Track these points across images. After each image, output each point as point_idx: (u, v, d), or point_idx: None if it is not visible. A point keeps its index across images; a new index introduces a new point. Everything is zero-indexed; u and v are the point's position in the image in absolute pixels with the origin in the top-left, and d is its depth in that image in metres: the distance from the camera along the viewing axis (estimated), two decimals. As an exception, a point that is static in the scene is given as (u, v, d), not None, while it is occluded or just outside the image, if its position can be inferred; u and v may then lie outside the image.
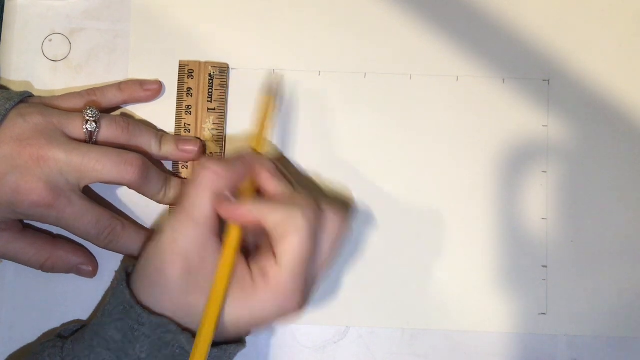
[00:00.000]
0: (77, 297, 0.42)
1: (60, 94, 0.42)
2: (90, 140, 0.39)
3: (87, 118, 0.39)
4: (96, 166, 0.37)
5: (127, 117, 0.43)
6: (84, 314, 0.42)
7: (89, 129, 0.39)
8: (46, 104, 0.40)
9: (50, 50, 0.44)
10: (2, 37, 0.44)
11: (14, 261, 0.40)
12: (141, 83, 0.43)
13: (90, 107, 0.39)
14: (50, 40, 0.44)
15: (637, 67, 0.44)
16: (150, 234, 0.41)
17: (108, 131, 0.39)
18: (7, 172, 0.36)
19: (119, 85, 0.42)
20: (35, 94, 0.42)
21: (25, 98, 0.40)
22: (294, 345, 0.42)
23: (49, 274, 0.41)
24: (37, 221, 0.37)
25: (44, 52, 0.44)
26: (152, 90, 0.43)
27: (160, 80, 0.44)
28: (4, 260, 0.42)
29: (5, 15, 0.44)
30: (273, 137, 0.44)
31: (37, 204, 0.37)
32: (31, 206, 0.37)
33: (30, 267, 0.40)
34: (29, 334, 0.42)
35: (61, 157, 0.37)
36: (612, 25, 0.45)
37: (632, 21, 0.45)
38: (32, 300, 0.42)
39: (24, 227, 0.40)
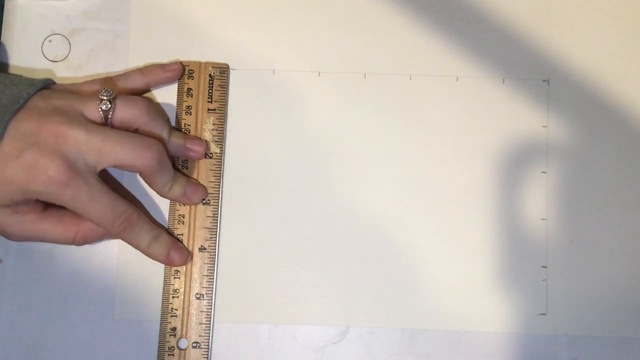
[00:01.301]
0: (76, 298, 0.42)
1: (81, 81, 0.42)
2: (106, 121, 0.38)
3: (102, 97, 0.38)
4: (115, 147, 0.37)
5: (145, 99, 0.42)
6: (84, 314, 0.42)
7: (103, 109, 0.38)
8: (68, 90, 0.40)
9: (50, 51, 0.44)
10: (2, 37, 0.44)
11: (43, 241, 0.39)
12: (162, 66, 0.43)
13: (105, 87, 0.39)
14: (50, 41, 0.44)
15: (637, 67, 0.44)
16: (161, 229, 0.41)
17: (124, 111, 0.39)
18: (25, 149, 0.36)
19: (141, 70, 0.43)
20: (35, 94, 0.42)
21: (48, 85, 0.40)
22: (294, 345, 0.42)
23: (49, 274, 0.41)
24: (51, 201, 0.37)
25: (43, 52, 0.44)
26: (173, 70, 0.43)
27: (160, 80, 0.44)
28: (3, 260, 0.42)
29: (5, 15, 0.44)
30: (272, 138, 0.44)
31: (53, 181, 0.36)
32: (47, 183, 0.36)
33: (61, 244, 0.40)
34: (29, 334, 0.42)
35: (81, 136, 0.37)
36: (612, 25, 0.45)
37: (632, 21, 0.45)
38: (32, 300, 0.42)
39: (46, 206, 0.39)
